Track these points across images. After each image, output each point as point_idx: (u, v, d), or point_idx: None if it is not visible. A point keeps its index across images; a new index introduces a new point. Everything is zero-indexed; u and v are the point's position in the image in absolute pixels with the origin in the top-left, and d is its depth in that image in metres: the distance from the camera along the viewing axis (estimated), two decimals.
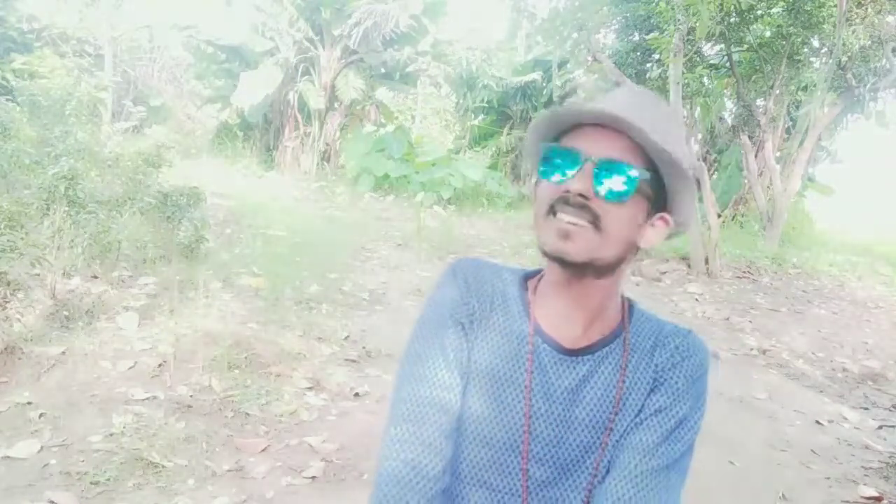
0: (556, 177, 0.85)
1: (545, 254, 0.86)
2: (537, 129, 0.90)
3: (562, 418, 0.90)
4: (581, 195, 0.82)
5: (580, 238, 0.82)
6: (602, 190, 0.83)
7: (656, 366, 0.91)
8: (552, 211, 0.84)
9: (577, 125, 0.88)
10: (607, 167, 0.83)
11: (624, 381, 0.90)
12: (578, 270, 0.86)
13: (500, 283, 0.96)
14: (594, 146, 0.84)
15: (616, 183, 0.83)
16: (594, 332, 0.91)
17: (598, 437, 0.89)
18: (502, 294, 0.95)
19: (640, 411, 0.89)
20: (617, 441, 0.89)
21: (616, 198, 0.83)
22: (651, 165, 0.85)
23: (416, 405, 0.87)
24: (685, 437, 0.88)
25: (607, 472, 0.89)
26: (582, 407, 0.90)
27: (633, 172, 0.83)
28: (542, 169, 0.87)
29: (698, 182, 7.42)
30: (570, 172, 0.83)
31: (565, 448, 0.90)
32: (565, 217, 0.82)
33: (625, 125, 0.83)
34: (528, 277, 0.97)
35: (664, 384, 0.90)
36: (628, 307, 0.95)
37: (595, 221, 0.83)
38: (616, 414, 0.89)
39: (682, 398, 0.89)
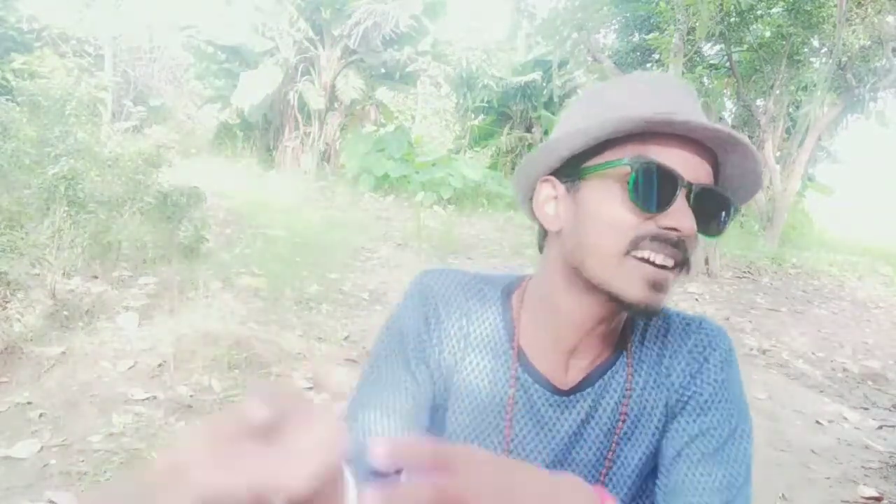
0: (651, 206, 0.66)
1: (615, 299, 0.69)
2: (606, 129, 0.68)
3: (561, 461, 0.78)
4: (688, 236, 0.67)
5: (670, 286, 0.68)
6: (703, 226, 0.68)
7: (671, 382, 0.77)
8: (634, 247, 0.67)
9: (643, 132, 0.68)
10: (710, 198, 0.68)
11: (629, 410, 0.77)
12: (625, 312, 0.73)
13: (478, 306, 0.80)
14: (686, 167, 0.67)
15: (718, 219, 0.70)
16: (595, 357, 0.78)
17: (598, 471, 0.78)
18: (480, 321, 0.79)
19: (659, 439, 0.77)
20: (619, 470, 0.77)
21: (712, 235, 0.71)
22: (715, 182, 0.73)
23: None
24: (737, 454, 0.73)
25: None
26: (586, 447, 0.78)
27: (733, 207, 0.71)
28: (632, 192, 0.66)
29: None
30: (669, 202, 0.66)
31: None
32: (659, 259, 0.66)
33: (742, 147, 0.68)
34: (510, 291, 0.82)
35: (688, 402, 0.76)
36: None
37: (685, 261, 0.69)
38: (616, 448, 0.77)
39: (713, 410, 0.75)
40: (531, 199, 0.78)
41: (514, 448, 0.78)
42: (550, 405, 0.77)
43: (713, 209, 0.69)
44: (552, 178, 0.75)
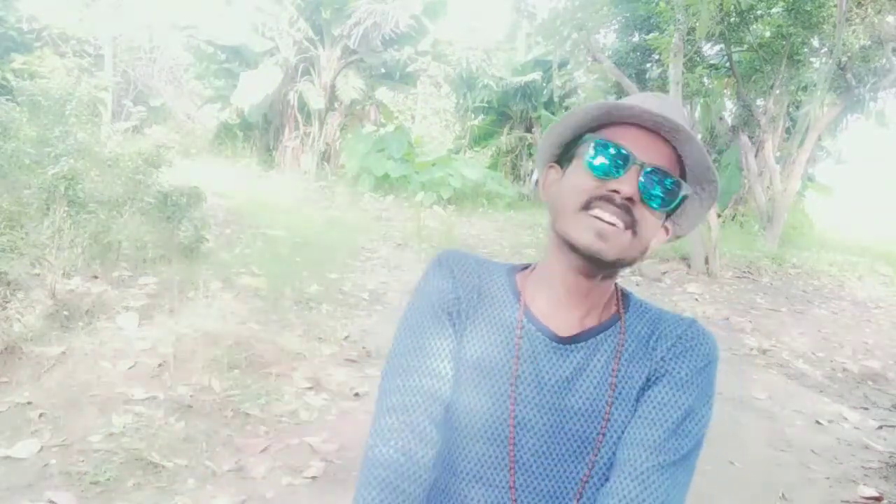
0: (602, 173, 0.83)
1: (573, 248, 0.84)
2: (576, 118, 0.87)
3: (556, 408, 0.88)
4: (628, 199, 0.82)
5: (616, 240, 0.82)
6: (649, 198, 0.83)
7: (656, 356, 0.88)
8: (588, 206, 0.83)
9: (617, 122, 0.86)
10: (657, 176, 0.83)
11: (619, 369, 0.88)
12: (596, 268, 0.85)
13: (487, 274, 0.94)
14: (642, 150, 0.83)
15: (663, 194, 0.84)
16: (589, 320, 0.90)
17: (595, 428, 0.87)
18: (490, 283, 0.93)
19: (637, 401, 0.87)
20: (615, 432, 0.86)
21: (659, 207, 0.84)
22: (683, 176, 0.87)
23: (406, 395, 0.85)
24: (692, 430, 0.85)
25: (609, 466, 0.86)
26: (577, 396, 0.88)
27: (682, 190, 0.85)
28: (589, 161, 0.84)
29: None
30: (618, 172, 0.82)
31: (561, 439, 0.87)
32: (605, 216, 0.81)
33: (684, 136, 0.83)
34: (515, 270, 0.96)
35: (666, 375, 0.87)
36: (622, 295, 0.94)
37: (633, 226, 0.82)
38: (612, 403, 0.87)
39: (686, 389, 0.86)
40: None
41: (518, 388, 0.88)
42: (549, 350, 0.89)
43: (664, 186, 0.84)
44: (556, 164, 0.93)
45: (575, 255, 0.84)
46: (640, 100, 0.87)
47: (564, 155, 0.92)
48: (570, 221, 0.84)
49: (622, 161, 0.82)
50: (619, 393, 0.87)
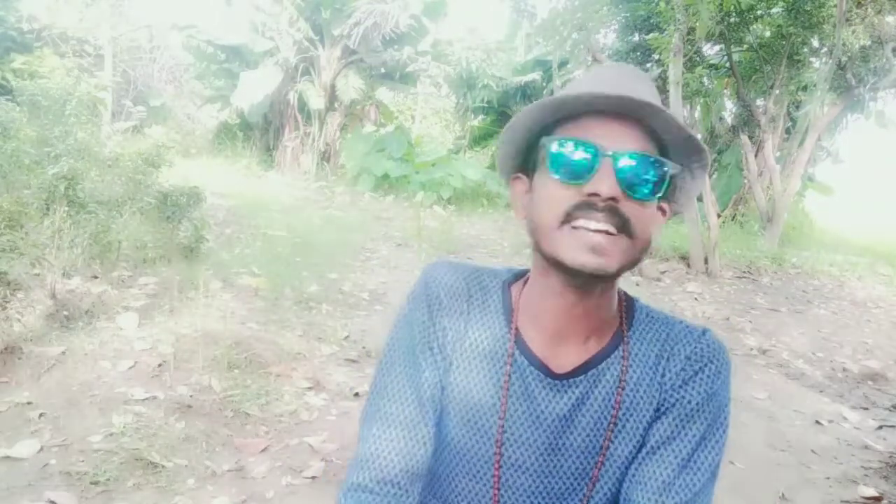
0: (571, 176, 0.71)
1: (565, 268, 0.72)
2: (527, 118, 0.77)
3: (552, 447, 0.80)
4: (611, 199, 0.70)
5: (614, 248, 0.71)
6: (633, 190, 0.71)
7: (664, 382, 0.80)
8: (568, 218, 0.71)
9: (573, 114, 0.74)
10: (634, 162, 0.71)
11: (622, 401, 0.80)
12: (595, 283, 0.75)
13: (479, 290, 0.84)
14: (609, 137, 0.71)
15: (646, 181, 0.72)
16: (590, 346, 0.80)
17: (592, 463, 0.80)
18: (481, 304, 0.83)
19: (644, 434, 0.79)
20: (615, 468, 0.80)
21: (648, 197, 0.73)
22: (663, 152, 0.76)
23: (381, 445, 0.78)
24: (706, 462, 0.77)
25: (604, 501, 0.81)
26: (575, 434, 0.80)
27: (668, 169, 0.73)
28: (552, 167, 0.72)
29: None
30: (590, 171, 0.71)
31: (558, 477, 0.81)
32: (592, 225, 0.70)
33: (650, 110, 0.71)
34: (511, 282, 0.86)
35: (675, 406, 0.78)
36: (627, 307, 0.83)
37: (626, 226, 0.71)
38: (612, 438, 0.80)
39: (697, 418, 0.78)
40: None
41: (508, 428, 0.80)
42: (543, 387, 0.79)
43: (646, 172, 0.72)
44: (521, 175, 0.82)
45: (569, 276, 0.74)
46: (593, 78, 0.77)
47: (527, 162, 0.81)
48: (554, 240, 0.73)
49: (590, 156, 0.71)
50: (622, 427, 0.80)
